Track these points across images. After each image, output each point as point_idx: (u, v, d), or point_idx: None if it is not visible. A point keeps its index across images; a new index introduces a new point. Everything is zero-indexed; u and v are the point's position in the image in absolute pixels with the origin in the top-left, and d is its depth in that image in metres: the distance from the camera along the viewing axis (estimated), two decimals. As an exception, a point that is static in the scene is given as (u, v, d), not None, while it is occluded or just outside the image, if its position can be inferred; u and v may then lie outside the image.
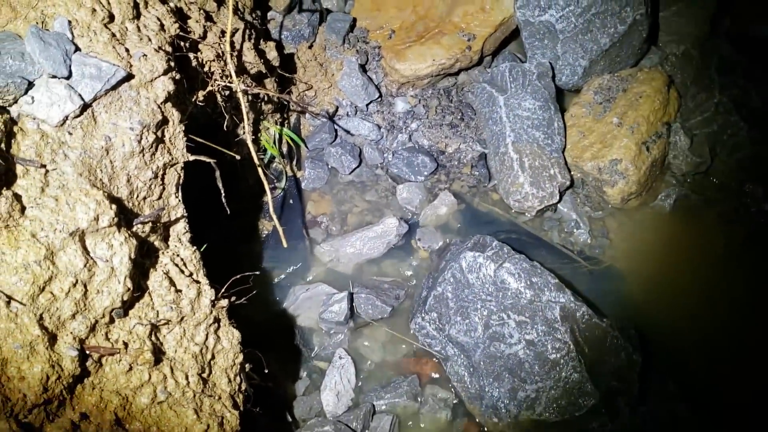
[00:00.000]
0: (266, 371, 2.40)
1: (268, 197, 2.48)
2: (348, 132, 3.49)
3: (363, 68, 3.48)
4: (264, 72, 2.91)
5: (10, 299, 1.52)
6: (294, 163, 3.42)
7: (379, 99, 3.53)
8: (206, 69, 2.47)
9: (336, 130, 3.48)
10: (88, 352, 1.68)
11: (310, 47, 3.47)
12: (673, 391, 2.98)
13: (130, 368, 1.79)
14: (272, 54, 3.00)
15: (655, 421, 2.80)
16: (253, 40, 2.84)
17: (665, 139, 3.30)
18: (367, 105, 3.50)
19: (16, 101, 1.72)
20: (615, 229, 3.36)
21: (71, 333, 1.64)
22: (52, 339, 1.59)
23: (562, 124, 3.33)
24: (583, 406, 2.63)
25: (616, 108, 3.31)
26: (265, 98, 3.05)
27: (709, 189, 3.45)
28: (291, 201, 3.32)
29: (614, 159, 3.18)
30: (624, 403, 2.72)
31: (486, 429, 2.82)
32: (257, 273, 2.25)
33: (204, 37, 2.44)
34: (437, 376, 2.96)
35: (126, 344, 1.77)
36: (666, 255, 3.32)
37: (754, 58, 3.32)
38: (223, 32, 2.54)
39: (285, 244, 2.50)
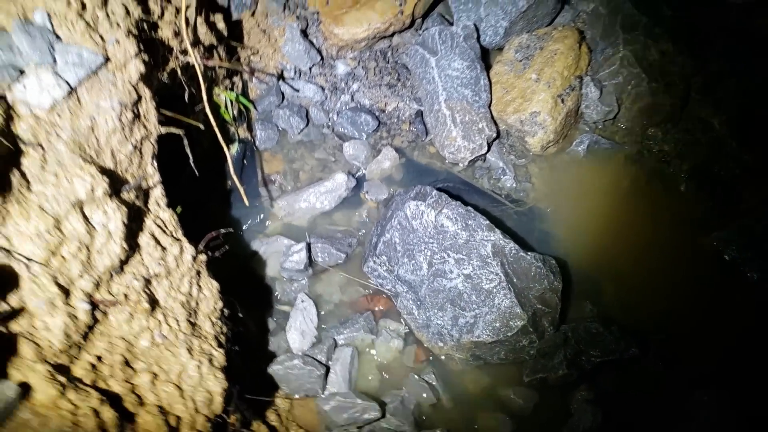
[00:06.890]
0: (240, 315, 2.72)
1: (228, 159, 2.74)
2: (295, 92, 3.71)
3: (304, 33, 3.67)
4: (215, 43, 3.11)
5: (29, 262, 1.78)
6: (245, 125, 3.64)
7: (321, 62, 3.75)
8: (166, 45, 2.68)
9: (283, 93, 3.70)
10: (96, 304, 1.96)
11: (253, 15, 3.65)
12: (589, 311, 3.42)
13: (131, 317, 2.07)
14: (221, 24, 3.18)
15: (576, 337, 3.21)
16: (203, 14, 3.03)
17: (578, 91, 3.67)
18: (310, 68, 3.72)
19: (10, 89, 1.92)
20: (536, 173, 3.73)
21: (81, 289, 1.91)
22: (67, 295, 1.86)
23: (487, 82, 3.65)
24: (513, 327, 3.01)
25: (534, 65, 3.64)
26: (216, 67, 3.26)
27: (617, 134, 3.85)
28: (245, 162, 3.57)
29: (534, 111, 3.53)
30: (548, 323, 3.13)
31: (433, 352, 3.22)
32: (231, 230, 2.53)
33: (162, 15, 2.64)
34: (389, 311, 3.32)
35: (126, 296, 2.06)
36: (581, 194, 3.70)
37: (652, 16, 3.71)
38: (177, 9, 2.74)
39: (246, 202, 2.78)
